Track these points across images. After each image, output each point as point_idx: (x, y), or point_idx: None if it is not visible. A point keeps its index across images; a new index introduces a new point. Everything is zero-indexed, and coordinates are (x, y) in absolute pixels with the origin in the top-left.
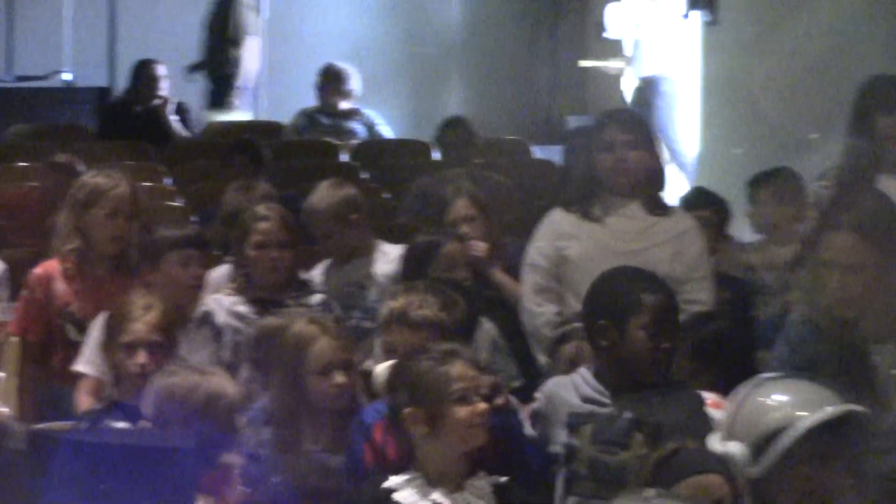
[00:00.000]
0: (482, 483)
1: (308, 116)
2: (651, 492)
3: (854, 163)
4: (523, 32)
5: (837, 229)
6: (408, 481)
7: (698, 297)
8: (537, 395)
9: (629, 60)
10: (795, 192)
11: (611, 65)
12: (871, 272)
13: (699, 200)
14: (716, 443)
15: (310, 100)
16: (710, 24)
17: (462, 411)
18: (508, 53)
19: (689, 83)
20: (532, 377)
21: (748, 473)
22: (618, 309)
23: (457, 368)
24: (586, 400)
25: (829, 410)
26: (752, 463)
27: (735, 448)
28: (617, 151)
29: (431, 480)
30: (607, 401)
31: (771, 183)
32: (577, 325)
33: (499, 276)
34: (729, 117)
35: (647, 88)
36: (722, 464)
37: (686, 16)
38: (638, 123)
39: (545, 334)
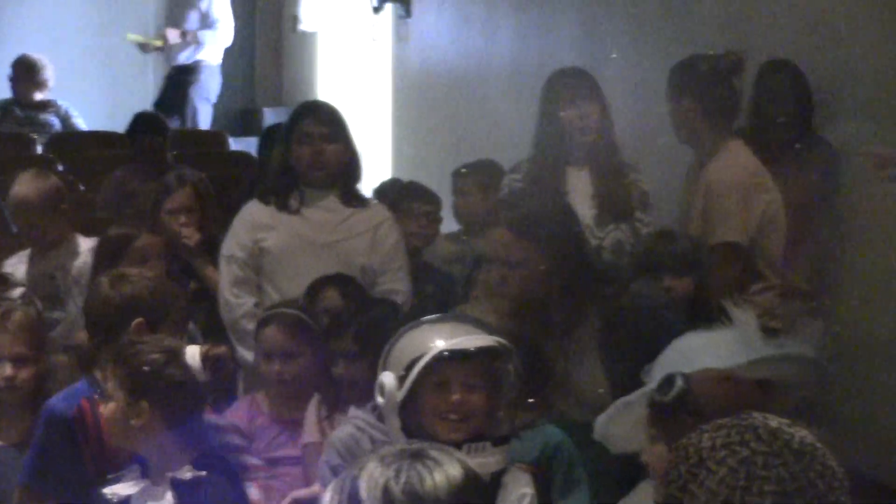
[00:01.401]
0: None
1: (2, 108)
2: (401, 446)
3: (543, 155)
4: None
5: (496, 225)
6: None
7: (395, 287)
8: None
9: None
10: (497, 183)
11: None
12: (529, 269)
13: (408, 192)
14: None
15: (6, 91)
16: (403, 18)
17: None
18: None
19: (381, 76)
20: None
21: (395, 397)
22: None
23: None
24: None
25: (460, 341)
26: (399, 388)
27: (387, 377)
28: (314, 144)
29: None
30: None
31: (474, 174)
32: (281, 310)
33: (207, 269)
34: (422, 110)
35: (180, 76)
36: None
37: (378, 9)
38: (334, 116)
39: (244, 326)
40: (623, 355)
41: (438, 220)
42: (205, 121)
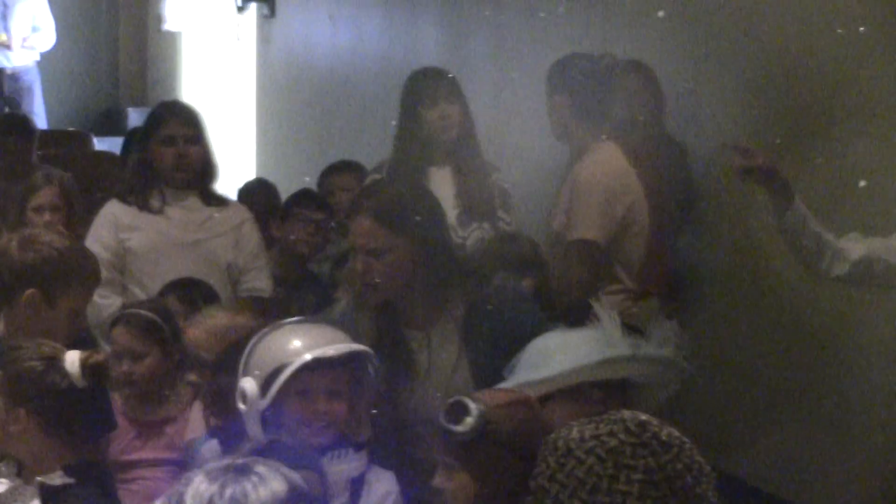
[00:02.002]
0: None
1: None
2: (228, 461)
3: (404, 155)
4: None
5: (358, 214)
6: None
7: (258, 284)
8: None
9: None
10: (361, 183)
11: None
12: (394, 258)
13: (298, 199)
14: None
15: None
16: (267, 17)
17: None
18: (68, 44)
19: (246, 75)
20: None
21: (259, 405)
22: None
23: None
24: None
25: (324, 349)
26: (261, 396)
27: (248, 383)
28: (177, 146)
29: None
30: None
31: (338, 174)
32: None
33: None
34: (287, 110)
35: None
36: (314, 459)
37: (242, 8)
38: (195, 117)
39: None
40: (486, 348)
41: (327, 229)
42: (41, 122)
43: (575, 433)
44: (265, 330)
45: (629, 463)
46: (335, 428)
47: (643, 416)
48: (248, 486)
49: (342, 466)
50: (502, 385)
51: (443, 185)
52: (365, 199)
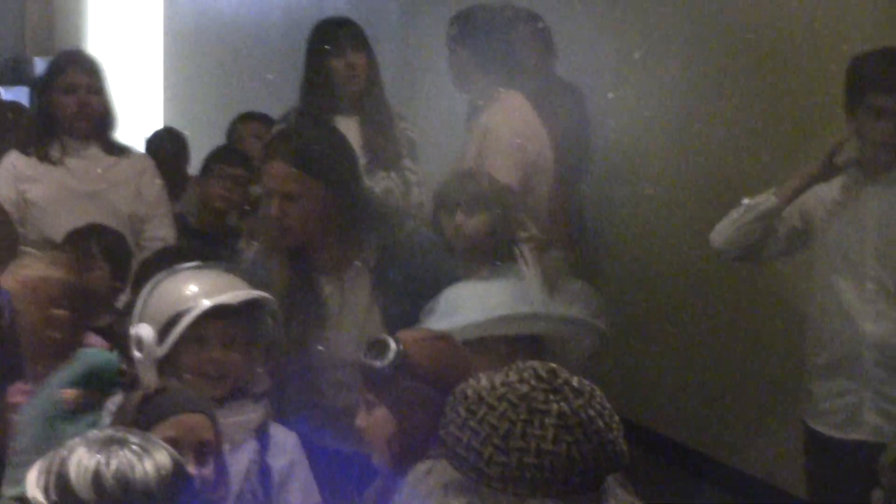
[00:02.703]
0: None
1: None
2: (107, 432)
3: (310, 104)
4: None
5: (273, 158)
6: None
7: (160, 233)
8: None
9: None
10: (269, 133)
11: None
12: (308, 202)
13: (217, 154)
14: (131, 328)
15: None
16: None
17: None
18: None
19: (154, 25)
20: None
21: (155, 352)
22: None
23: None
24: None
25: (223, 297)
26: (159, 343)
27: (144, 330)
28: (80, 95)
29: None
30: None
31: (249, 122)
32: None
33: None
34: (195, 60)
35: None
36: (205, 403)
37: None
38: (96, 66)
39: None
40: (397, 294)
41: (246, 185)
42: None
43: (485, 382)
44: (161, 275)
45: (542, 408)
46: (231, 378)
47: (552, 365)
48: (134, 458)
49: (239, 418)
50: None
51: (349, 134)
52: (280, 144)
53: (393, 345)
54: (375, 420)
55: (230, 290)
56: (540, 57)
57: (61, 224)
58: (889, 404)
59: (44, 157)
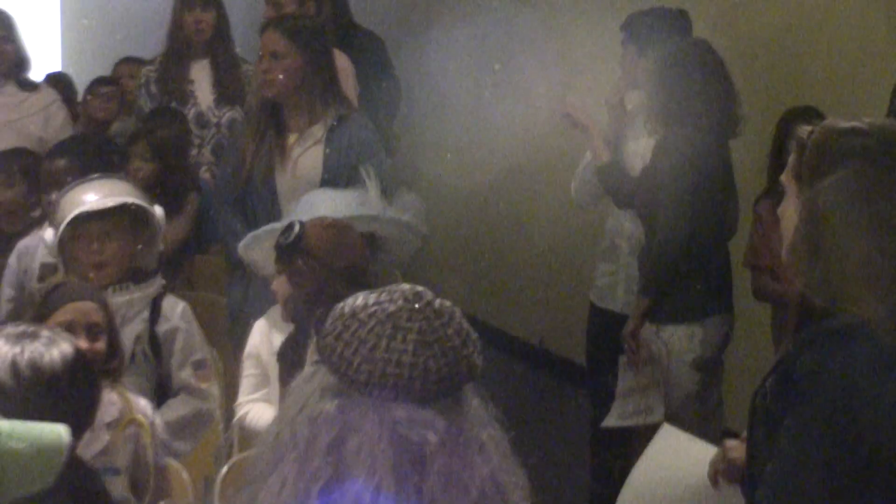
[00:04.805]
0: None
1: None
2: (20, 328)
3: (171, 50)
4: None
5: (267, 28)
6: None
7: None
8: None
9: None
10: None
11: None
12: (289, 61)
13: (61, 81)
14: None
15: None
16: None
17: None
18: None
19: None
20: None
21: (54, 251)
22: None
23: None
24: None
25: (97, 202)
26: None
27: (48, 234)
28: None
29: None
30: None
31: (127, 64)
32: None
33: None
34: (89, 8)
35: None
36: (94, 291)
37: None
38: (10, 21)
39: None
40: (339, 154)
41: (119, 100)
42: None
43: (360, 301)
44: (69, 186)
45: (405, 325)
46: (113, 266)
47: (420, 288)
48: (42, 348)
49: (126, 297)
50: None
51: (202, 75)
52: (275, 19)
53: (296, 226)
54: (277, 284)
55: (110, 197)
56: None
57: None
58: (635, 284)
59: None
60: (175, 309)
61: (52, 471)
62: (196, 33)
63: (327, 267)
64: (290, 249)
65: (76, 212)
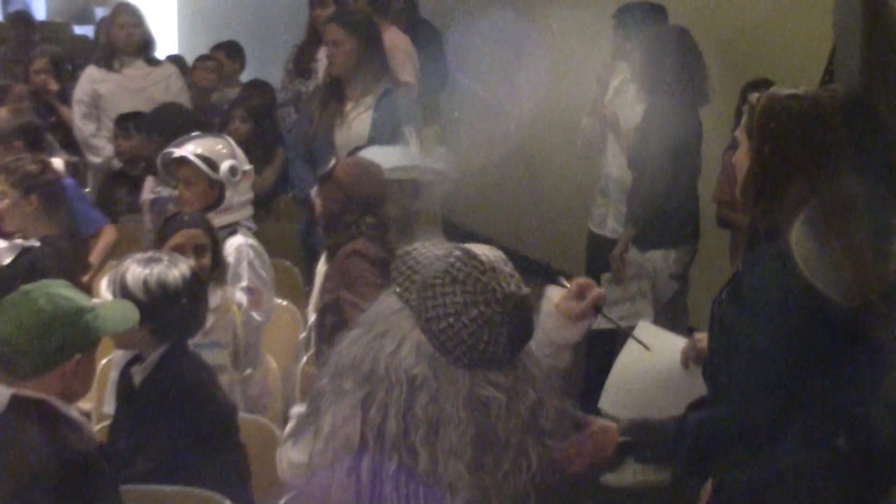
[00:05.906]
0: None
1: None
2: (148, 254)
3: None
4: None
5: (329, 22)
6: None
7: None
8: None
9: None
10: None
11: None
12: (347, 47)
13: (198, 59)
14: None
15: None
16: None
17: None
18: None
19: None
20: None
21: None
22: None
23: None
24: None
25: (180, 151)
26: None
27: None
28: (128, 30)
29: None
30: None
31: (219, 49)
32: None
33: (63, 108)
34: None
35: None
36: (199, 219)
37: None
38: (138, 11)
39: (93, 143)
40: (386, 117)
41: (218, 72)
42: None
43: (428, 253)
44: (179, 140)
45: (459, 277)
46: (199, 202)
47: (477, 251)
48: (166, 269)
49: (219, 221)
50: None
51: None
52: (335, 13)
53: (332, 163)
54: (318, 205)
55: (192, 146)
56: None
57: (120, 108)
58: (622, 216)
59: (109, 68)
60: (232, 245)
61: (134, 317)
62: (321, 24)
63: (346, 193)
64: (325, 178)
65: (170, 157)
